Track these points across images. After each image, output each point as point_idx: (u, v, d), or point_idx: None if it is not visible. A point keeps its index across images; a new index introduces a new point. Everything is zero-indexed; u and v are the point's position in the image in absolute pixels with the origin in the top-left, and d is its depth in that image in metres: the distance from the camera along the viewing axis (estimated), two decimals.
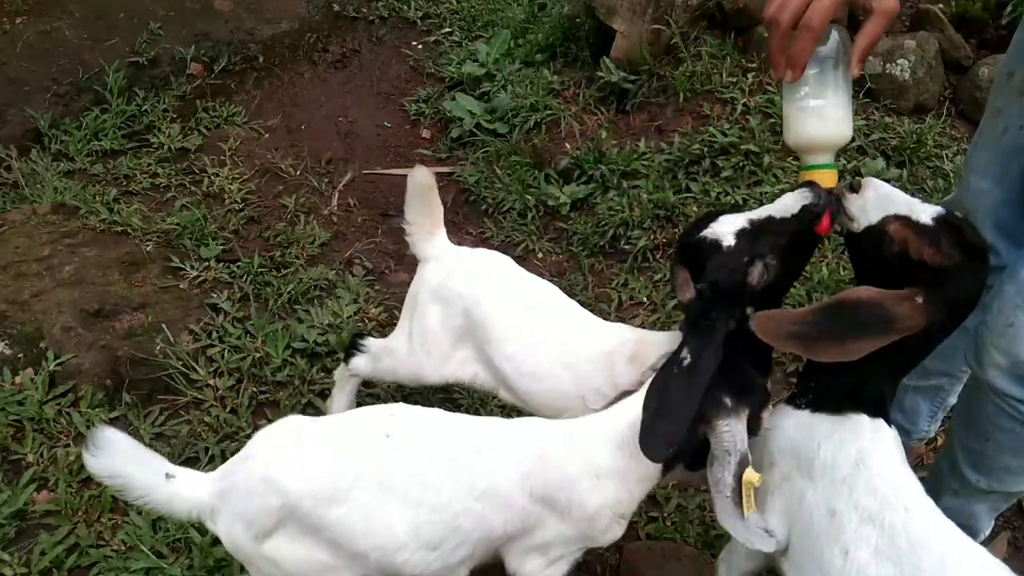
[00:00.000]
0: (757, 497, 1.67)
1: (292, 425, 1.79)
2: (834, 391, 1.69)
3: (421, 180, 2.32)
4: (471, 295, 2.26)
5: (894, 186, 2.27)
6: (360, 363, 2.52)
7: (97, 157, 4.04)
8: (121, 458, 1.67)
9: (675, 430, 1.62)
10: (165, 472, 1.71)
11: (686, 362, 1.68)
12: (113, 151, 4.08)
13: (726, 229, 1.74)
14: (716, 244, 1.74)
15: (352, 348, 2.54)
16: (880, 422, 1.66)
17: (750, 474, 1.62)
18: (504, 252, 3.72)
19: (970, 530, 2.13)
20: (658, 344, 2.01)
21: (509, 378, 2.23)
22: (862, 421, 1.65)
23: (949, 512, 1.62)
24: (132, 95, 4.28)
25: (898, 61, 4.04)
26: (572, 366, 2.13)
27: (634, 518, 2.57)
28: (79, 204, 3.54)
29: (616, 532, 1.90)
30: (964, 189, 2.23)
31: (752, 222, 1.75)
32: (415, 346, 2.37)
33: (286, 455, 1.71)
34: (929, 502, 1.58)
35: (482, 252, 2.44)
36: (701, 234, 1.77)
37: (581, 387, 2.09)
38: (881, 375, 1.67)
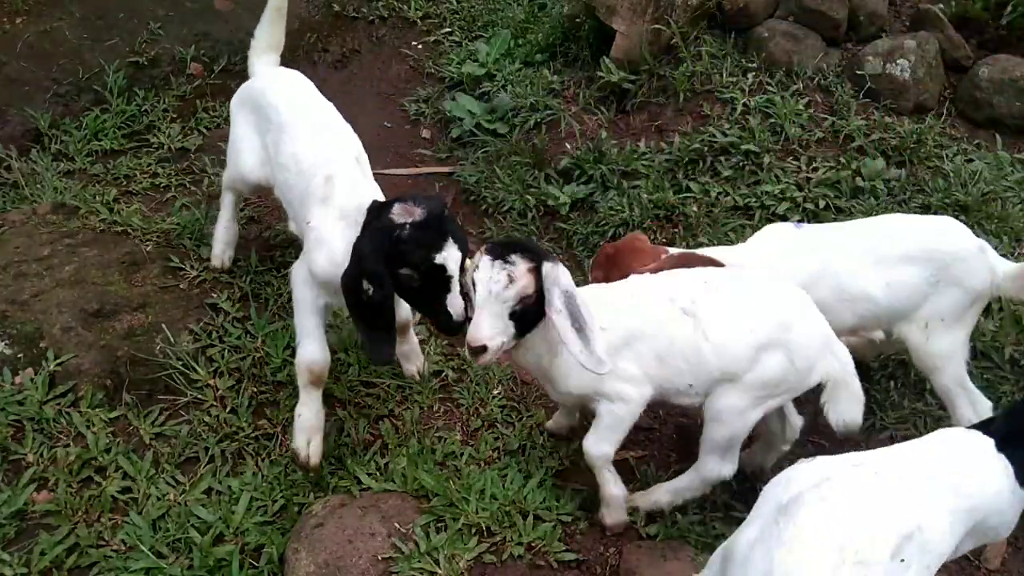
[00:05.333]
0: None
1: None
2: None
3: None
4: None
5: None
6: None
7: (97, 157, 4.04)
8: None
9: None
10: None
11: None
12: (113, 151, 4.08)
13: None
14: None
15: None
16: None
17: None
18: None
19: None
20: None
21: None
22: None
23: None
24: (132, 95, 4.28)
25: (898, 61, 4.04)
26: None
27: (634, 518, 2.57)
28: (79, 204, 3.54)
29: None
30: None
31: None
32: None
33: None
34: None
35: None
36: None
37: None
38: None
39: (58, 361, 2.80)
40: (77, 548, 2.40)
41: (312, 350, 2.54)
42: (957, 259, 2.60)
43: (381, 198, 2.55)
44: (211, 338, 3.01)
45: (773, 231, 2.81)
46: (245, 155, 2.98)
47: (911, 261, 2.61)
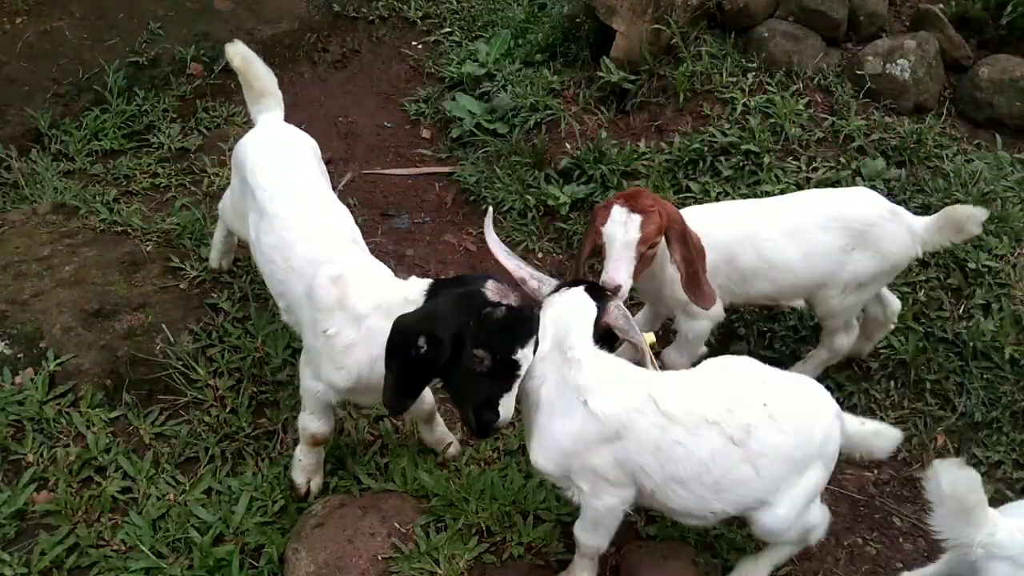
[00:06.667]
0: None
1: None
2: None
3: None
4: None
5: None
6: None
7: (97, 157, 4.04)
8: None
9: None
10: None
11: None
12: (113, 151, 4.08)
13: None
14: None
15: None
16: None
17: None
18: None
19: None
20: None
21: None
22: None
23: None
24: (132, 95, 4.28)
25: (898, 61, 4.04)
26: None
27: (634, 518, 2.57)
28: (79, 204, 3.54)
29: None
30: None
31: None
32: None
33: None
34: None
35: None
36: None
37: None
38: None
39: (58, 361, 2.80)
40: (77, 548, 2.40)
41: (318, 424, 2.46)
42: (869, 225, 2.70)
43: (389, 275, 2.37)
44: (211, 338, 3.01)
45: (698, 207, 3.00)
46: (227, 207, 2.96)
47: (825, 231, 2.71)
